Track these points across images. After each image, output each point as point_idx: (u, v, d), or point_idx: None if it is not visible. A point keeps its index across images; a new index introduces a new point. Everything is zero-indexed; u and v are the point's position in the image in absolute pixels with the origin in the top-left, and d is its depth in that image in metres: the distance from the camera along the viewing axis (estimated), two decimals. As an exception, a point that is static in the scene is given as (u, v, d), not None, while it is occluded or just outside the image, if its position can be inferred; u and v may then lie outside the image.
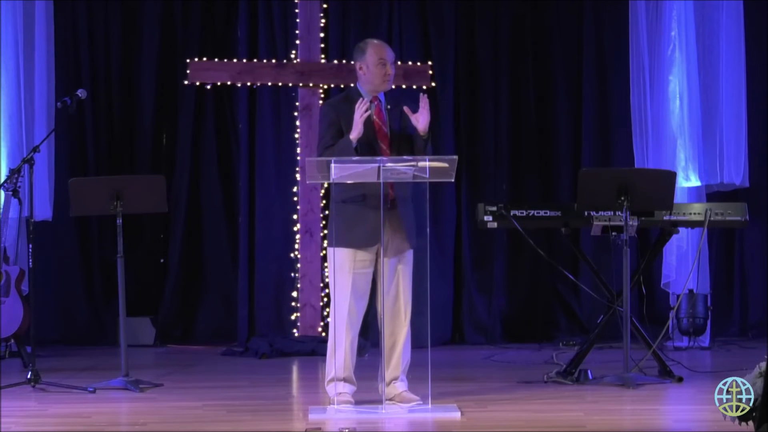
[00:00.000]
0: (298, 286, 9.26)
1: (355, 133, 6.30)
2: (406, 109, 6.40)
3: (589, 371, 7.39)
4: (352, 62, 6.63)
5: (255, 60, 9.46)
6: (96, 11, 9.70)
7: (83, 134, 9.66)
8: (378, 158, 6.24)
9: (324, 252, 9.03)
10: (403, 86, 9.32)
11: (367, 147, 6.39)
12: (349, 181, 6.32)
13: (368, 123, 6.45)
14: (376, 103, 6.52)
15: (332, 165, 6.18)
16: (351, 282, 6.39)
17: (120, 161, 9.71)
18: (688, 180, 9.25)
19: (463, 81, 9.82)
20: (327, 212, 8.54)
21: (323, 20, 9.39)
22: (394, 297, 6.42)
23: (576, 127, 9.92)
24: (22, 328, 8.39)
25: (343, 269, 6.41)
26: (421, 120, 6.36)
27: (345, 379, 6.46)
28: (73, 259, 9.66)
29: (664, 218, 7.78)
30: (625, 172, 7.73)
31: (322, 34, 9.36)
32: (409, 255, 6.49)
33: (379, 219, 6.34)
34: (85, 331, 9.63)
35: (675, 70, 9.32)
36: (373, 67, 6.49)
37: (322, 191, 9.21)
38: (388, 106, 6.52)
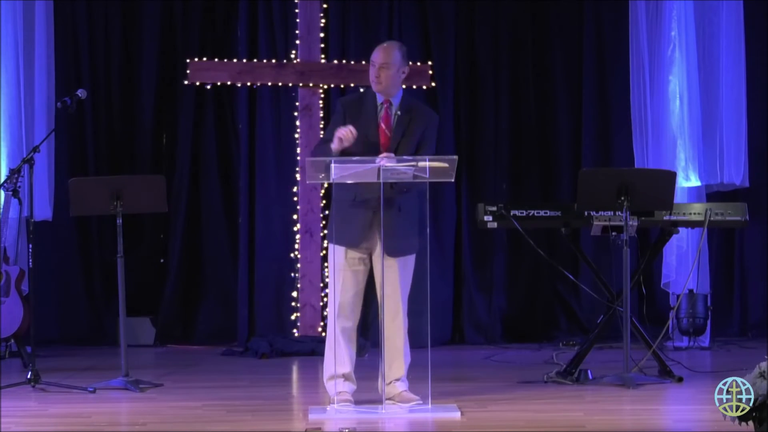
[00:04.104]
0: (298, 286, 9.26)
1: (335, 146, 6.30)
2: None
3: (589, 371, 7.39)
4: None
5: (255, 60, 9.46)
6: (96, 11, 9.69)
7: (83, 134, 9.66)
8: (378, 158, 6.24)
9: (324, 252, 9.04)
10: (403, 86, 9.29)
11: (367, 149, 6.39)
12: (347, 182, 6.32)
13: (372, 125, 6.46)
14: (386, 106, 6.51)
15: (332, 165, 6.19)
16: (342, 278, 6.43)
17: (120, 161, 9.71)
18: (688, 180, 9.25)
19: (463, 81, 9.82)
20: (327, 212, 8.55)
21: (323, 20, 9.39)
22: (390, 298, 6.41)
23: (576, 127, 9.93)
24: (22, 328, 8.39)
25: (335, 265, 6.47)
26: None
27: (345, 377, 6.46)
28: (73, 259, 9.66)
29: (664, 218, 7.78)
30: (625, 172, 7.73)
31: (322, 34, 9.36)
32: (407, 259, 6.46)
33: (366, 219, 6.36)
34: (85, 331, 9.63)
35: (675, 70, 9.32)
36: (369, 69, 6.52)
37: (322, 191, 9.21)
38: (398, 112, 6.50)
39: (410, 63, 9.33)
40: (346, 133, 6.27)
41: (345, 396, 6.41)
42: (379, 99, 6.54)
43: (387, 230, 6.35)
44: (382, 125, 6.48)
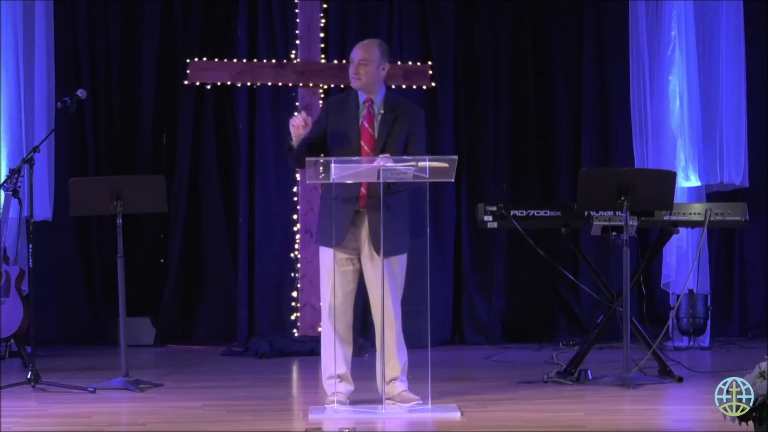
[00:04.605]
0: (298, 286, 9.26)
1: (293, 134, 6.36)
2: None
3: (589, 371, 7.39)
4: None
5: (255, 60, 9.46)
6: (96, 11, 9.70)
7: (83, 134, 9.66)
8: (378, 157, 6.23)
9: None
10: (403, 86, 9.32)
11: (349, 148, 6.40)
12: (348, 182, 6.32)
13: (354, 124, 6.46)
14: (368, 104, 6.51)
15: (332, 165, 6.18)
16: (331, 279, 6.43)
17: (120, 161, 9.71)
18: (688, 180, 9.25)
19: (463, 81, 9.82)
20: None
21: (323, 20, 9.39)
22: (379, 298, 6.40)
23: (576, 127, 9.93)
24: (22, 328, 8.39)
25: (324, 266, 6.49)
26: None
27: (342, 378, 6.46)
28: (73, 259, 9.66)
29: (664, 218, 7.78)
30: (625, 172, 7.73)
31: (322, 34, 9.36)
32: (397, 259, 6.41)
33: (348, 218, 6.37)
34: (85, 331, 9.63)
35: (675, 70, 9.32)
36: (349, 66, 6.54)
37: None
38: (381, 111, 6.50)
39: (410, 63, 9.42)
40: (297, 121, 6.30)
41: (340, 397, 6.40)
42: (361, 98, 6.53)
43: (375, 230, 6.36)
44: (365, 124, 6.47)
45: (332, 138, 6.49)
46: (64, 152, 9.46)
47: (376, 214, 6.33)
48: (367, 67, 6.48)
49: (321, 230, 6.55)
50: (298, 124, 6.32)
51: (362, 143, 6.44)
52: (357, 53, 6.52)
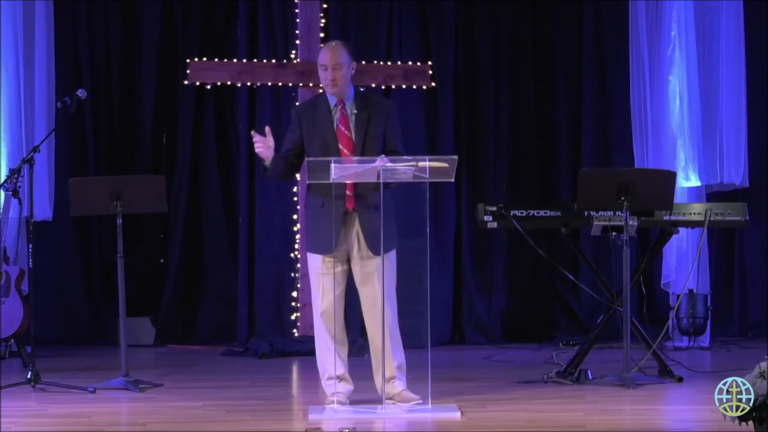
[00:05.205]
0: (298, 286, 9.26)
1: (266, 159, 6.45)
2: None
3: (589, 371, 7.39)
4: None
5: (255, 60, 9.46)
6: (96, 11, 9.70)
7: (83, 134, 9.66)
8: (378, 158, 6.22)
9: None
10: (403, 86, 9.32)
11: (327, 153, 6.38)
12: (346, 182, 6.32)
13: (329, 127, 6.45)
14: (340, 107, 6.49)
15: (332, 165, 6.18)
16: (321, 283, 6.44)
17: (120, 161, 9.71)
18: (688, 180, 9.25)
19: (463, 81, 9.82)
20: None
21: (323, 20, 9.38)
22: (372, 299, 6.40)
23: (576, 127, 9.93)
24: (22, 328, 8.39)
25: (313, 271, 6.50)
26: None
27: (341, 378, 6.46)
28: (73, 259, 9.66)
29: (664, 218, 7.78)
30: (625, 172, 7.73)
31: (322, 34, 9.35)
32: (387, 256, 6.38)
33: (338, 222, 6.36)
34: (85, 331, 9.63)
35: (675, 70, 9.32)
36: (319, 72, 6.50)
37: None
38: (354, 111, 6.49)
39: (410, 63, 9.42)
40: (258, 146, 6.40)
41: (340, 397, 6.40)
42: (332, 101, 6.51)
43: (366, 229, 6.36)
44: (341, 127, 6.46)
45: (309, 145, 6.47)
46: (64, 152, 9.46)
47: (366, 214, 6.33)
48: (341, 70, 6.45)
49: (309, 237, 6.54)
50: (259, 145, 6.39)
51: (340, 146, 6.43)
52: (328, 58, 6.45)
